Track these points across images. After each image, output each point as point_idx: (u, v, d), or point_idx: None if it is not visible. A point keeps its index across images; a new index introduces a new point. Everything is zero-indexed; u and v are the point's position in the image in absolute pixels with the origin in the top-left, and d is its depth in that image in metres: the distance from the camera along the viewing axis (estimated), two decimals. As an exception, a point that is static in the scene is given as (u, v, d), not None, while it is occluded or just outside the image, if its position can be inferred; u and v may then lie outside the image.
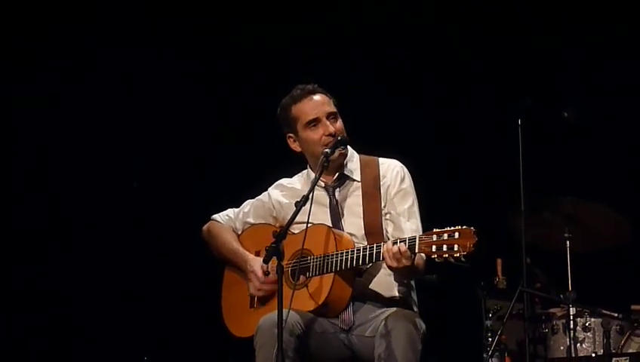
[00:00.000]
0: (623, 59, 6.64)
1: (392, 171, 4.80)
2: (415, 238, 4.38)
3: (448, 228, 4.31)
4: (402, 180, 4.78)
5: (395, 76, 6.82)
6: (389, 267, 4.44)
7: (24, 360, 6.80)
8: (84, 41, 6.94)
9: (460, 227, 4.29)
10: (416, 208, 4.77)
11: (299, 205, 4.49)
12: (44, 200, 6.90)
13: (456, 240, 4.27)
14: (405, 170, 4.83)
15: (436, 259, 4.32)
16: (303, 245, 4.55)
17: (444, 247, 4.29)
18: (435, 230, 4.35)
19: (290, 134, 4.86)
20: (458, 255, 4.26)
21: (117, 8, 6.97)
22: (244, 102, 6.99)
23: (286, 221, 4.61)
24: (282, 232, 4.38)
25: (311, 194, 4.52)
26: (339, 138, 4.72)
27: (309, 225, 4.59)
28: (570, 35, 6.67)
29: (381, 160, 4.86)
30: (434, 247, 4.32)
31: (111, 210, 6.92)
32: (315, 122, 4.76)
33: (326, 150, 4.68)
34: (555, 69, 6.67)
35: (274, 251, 4.34)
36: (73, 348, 6.77)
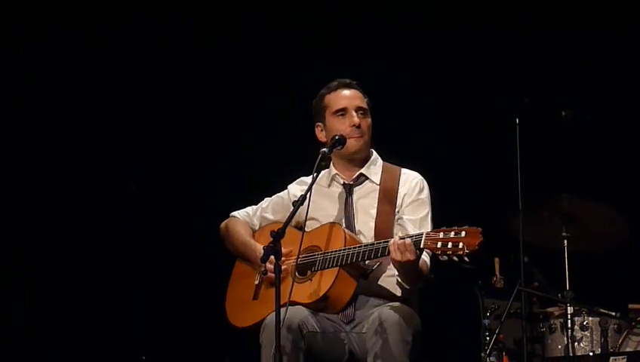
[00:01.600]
0: (621, 58, 6.63)
1: (412, 182, 4.85)
2: (422, 234, 4.39)
3: (456, 227, 4.32)
4: (420, 191, 4.83)
5: (392, 74, 6.81)
6: (393, 261, 4.44)
7: (22, 359, 6.80)
8: (84, 41, 6.94)
9: (467, 226, 4.30)
10: (429, 220, 4.80)
11: (297, 204, 4.52)
12: (42, 201, 6.91)
13: (462, 239, 4.27)
14: (425, 182, 4.87)
15: (440, 257, 4.32)
16: (300, 244, 4.55)
17: (449, 244, 4.29)
18: (442, 228, 4.36)
19: (319, 123, 4.92)
20: (462, 253, 4.25)
21: (116, 9, 6.97)
22: (253, 101, 7.01)
23: (304, 216, 4.66)
24: (280, 232, 4.40)
25: (308, 194, 4.55)
26: (336, 137, 4.75)
27: (325, 222, 4.70)
28: (569, 34, 6.66)
29: (404, 170, 4.92)
30: (439, 243, 4.31)
31: (110, 210, 6.93)
32: (343, 112, 4.82)
33: (323, 150, 4.69)
34: (552, 68, 6.66)
35: (271, 251, 4.36)
36: (72, 347, 6.77)
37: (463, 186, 6.65)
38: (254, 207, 5.06)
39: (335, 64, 6.63)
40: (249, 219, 5.01)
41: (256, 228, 5.00)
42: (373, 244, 4.53)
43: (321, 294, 4.56)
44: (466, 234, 4.28)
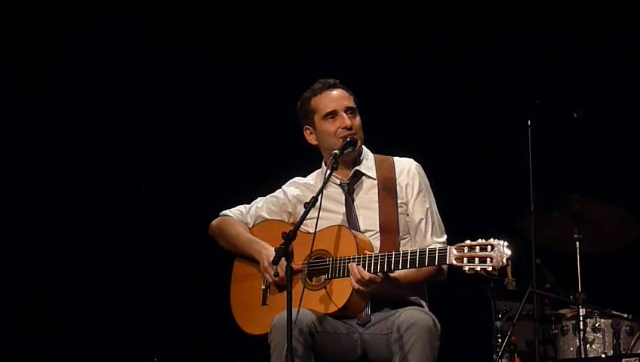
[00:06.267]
0: (632, 59, 6.62)
1: (409, 172, 4.78)
2: (446, 250, 4.32)
3: (480, 241, 4.24)
4: (420, 182, 4.77)
5: (405, 76, 6.81)
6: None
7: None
8: (91, 41, 6.95)
9: (492, 240, 4.22)
10: (434, 207, 4.76)
11: (308, 206, 4.48)
12: (51, 203, 6.92)
13: (489, 254, 4.19)
14: (420, 168, 4.82)
15: (467, 272, 4.24)
16: (311, 247, 4.50)
17: (477, 260, 4.21)
18: (467, 242, 4.27)
19: (308, 126, 4.85)
20: (491, 269, 4.17)
21: (124, 10, 6.98)
22: (251, 103, 7.00)
23: (313, 218, 4.58)
24: (292, 233, 4.35)
25: (320, 196, 4.50)
26: (348, 139, 4.70)
27: (328, 225, 4.61)
28: (580, 35, 6.65)
29: (396, 159, 4.85)
30: (465, 260, 4.24)
31: (120, 211, 6.93)
32: (332, 115, 4.76)
33: (335, 151, 4.66)
34: (564, 69, 6.65)
35: (283, 253, 4.32)
36: (83, 350, 6.77)
37: (474, 188, 6.65)
38: (246, 205, 4.95)
39: (339, 63, 6.63)
40: (243, 217, 4.91)
41: (250, 226, 4.90)
42: (392, 255, 4.45)
43: (340, 305, 4.51)
44: (492, 249, 4.20)
